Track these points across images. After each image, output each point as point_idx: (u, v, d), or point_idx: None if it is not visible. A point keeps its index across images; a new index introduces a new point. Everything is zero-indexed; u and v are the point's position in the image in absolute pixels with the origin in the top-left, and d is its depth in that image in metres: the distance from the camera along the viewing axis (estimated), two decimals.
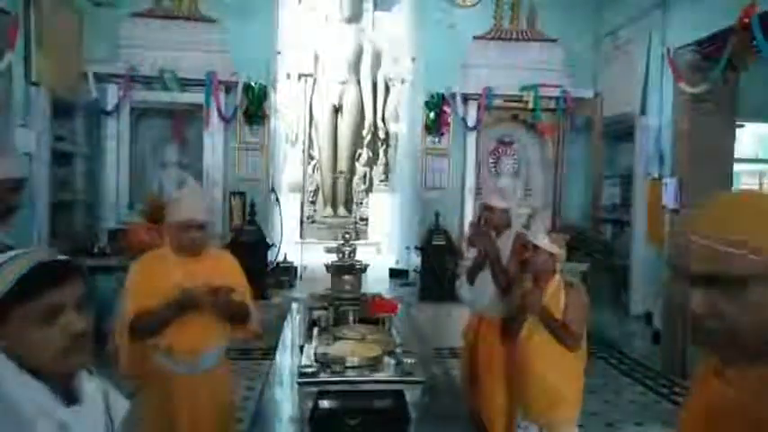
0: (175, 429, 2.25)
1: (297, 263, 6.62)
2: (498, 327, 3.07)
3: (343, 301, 3.01)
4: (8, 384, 1.00)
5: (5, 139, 4.58)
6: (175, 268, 2.27)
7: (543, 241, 2.58)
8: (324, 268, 3.29)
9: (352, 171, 9.82)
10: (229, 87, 5.89)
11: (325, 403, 2.07)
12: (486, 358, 3.15)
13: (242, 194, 5.88)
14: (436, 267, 5.67)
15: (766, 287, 0.85)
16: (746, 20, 4.12)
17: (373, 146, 9.81)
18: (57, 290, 1.04)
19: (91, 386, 1.13)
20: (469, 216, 6.11)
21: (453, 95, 6.09)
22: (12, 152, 2.26)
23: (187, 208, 2.29)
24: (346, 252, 3.16)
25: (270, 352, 3.33)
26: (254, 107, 6.01)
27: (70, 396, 1.08)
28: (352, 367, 2.09)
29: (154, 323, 2.20)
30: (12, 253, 1.08)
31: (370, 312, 2.87)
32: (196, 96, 5.76)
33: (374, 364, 2.14)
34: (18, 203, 2.14)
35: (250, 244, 5.47)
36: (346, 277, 3.11)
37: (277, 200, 6.53)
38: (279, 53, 6.62)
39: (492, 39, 6.27)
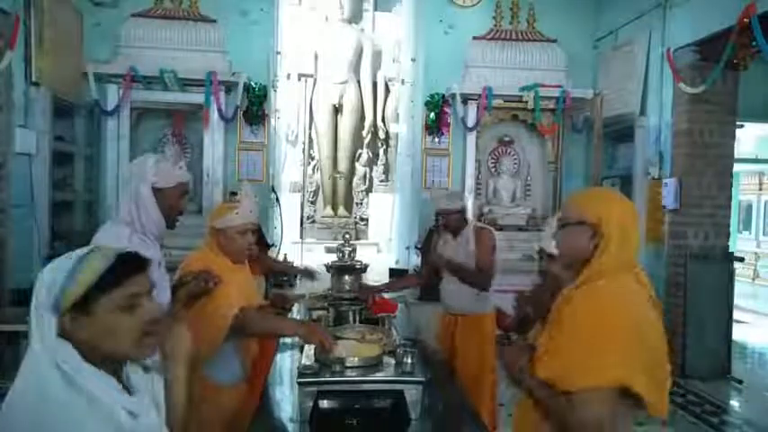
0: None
1: (297, 263, 6.62)
2: (474, 324, 3.16)
3: (344, 301, 3.01)
4: (83, 375, 1.06)
5: (6, 140, 4.58)
6: (233, 274, 2.26)
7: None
8: (324, 268, 3.30)
9: (352, 171, 9.82)
10: (229, 87, 5.88)
11: (324, 403, 2.07)
12: (468, 357, 3.17)
13: (234, 194, 5.87)
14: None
15: (574, 228, 1.59)
16: (746, 20, 4.12)
17: (373, 146, 9.82)
18: (136, 279, 1.12)
19: (138, 374, 1.21)
20: (470, 216, 6.10)
21: (453, 96, 6.09)
22: (177, 158, 2.27)
23: (246, 212, 2.30)
24: (346, 252, 3.17)
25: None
26: (255, 107, 6.01)
27: (123, 386, 1.16)
28: (352, 367, 2.09)
29: (264, 328, 2.23)
30: (85, 249, 1.14)
31: (371, 312, 2.88)
32: (196, 96, 5.75)
33: (374, 364, 2.14)
34: (185, 208, 2.13)
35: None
36: (346, 277, 3.11)
37: (277, 200, 6.53)
38: (279, 53, 6.62)
39: (492, 39, 6.27)
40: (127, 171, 2.08)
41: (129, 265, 1.13)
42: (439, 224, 3.35)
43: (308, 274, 3.56)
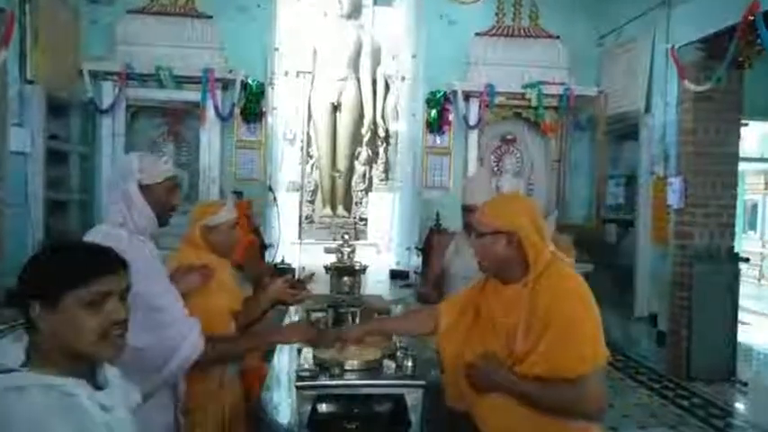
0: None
1: (295, 264, 6.55)
2: None
3: (343, 303, 2.95)
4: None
5: (0, 138, 4.53)
6: (224, 270, 2.33)
7: None
8: (323, 269, 3.23)
9: (351, 170, 9.75)
10: (226, 85, 5.86)
11: (323, 407, 2.03)
12: None
13: (239, 194, 5.82)
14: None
15: (490, 238, 1.73)
16: (751, 17, 4.08)
17: (373, 144, 9.75)
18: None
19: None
20: None
21: (455, 93, 6.04)
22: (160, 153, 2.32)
23: (232, 208, 2.40)
24: (345, 252, 3.10)
25: (268, 355, 3.27)
26: (252, 105, 5.96)
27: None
28: (352, 371, 2.04)
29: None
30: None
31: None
32: (193, 94, 5.72)
33: (373, 367, 2.09)
34: (177, 203, 2.09)
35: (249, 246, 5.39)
36: (346, 278, 3.05)
37: (275, 199, 6.47)
38: (277, 50, 6.56)
39: (494, 36, 6.22)
40: (113, 172, 2.01)
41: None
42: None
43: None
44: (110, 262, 1.16)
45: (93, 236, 1.88)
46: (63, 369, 1.10)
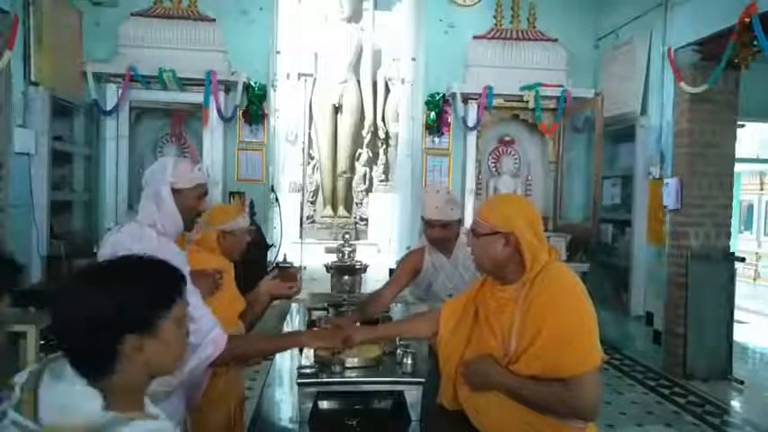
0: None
1: (296, 263, 6.61)
2: None
3: (343, 302, 2.99)
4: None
5: (4, 139, 4.57)
6: (230, 273, 2.41)
7: None
8: (324, 268, 3.27)
9: (352, 171, 9.82)
10: (229, 87, 5.88)
11: (324, 404, 2.06)
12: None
13: (241, 194, 5.86)
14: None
15: (488, 239, 1.73)
16: (747, 19, 4.12)
17: (373, 146, 9.81)
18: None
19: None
20: (470, 217, 6.09)
21: (453, 95, 6.07)
22: (195, 159, 2.36)
23: (245, 213, 2.48)
24: (346, 252, 3.14)
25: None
26: (254, 107, 6.00)
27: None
28: (352, 368, 2.07)
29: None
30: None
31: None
32: (195, 96, 5.73)
33: (374, 364, 2.12)
34: (204, 210, 2.14)
35: (250, 244, 5.43)
36: (346, 277, 3.09)
37: (276, 200, 6.51)
38: (279, 53, 6.61)
39: (492, 38, 6.25)
40: (147, 173, 2.06)
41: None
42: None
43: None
44: (181, 275, 1.12)
45: (123, 232, 1.92)
46: (138, 404, 1.05)
